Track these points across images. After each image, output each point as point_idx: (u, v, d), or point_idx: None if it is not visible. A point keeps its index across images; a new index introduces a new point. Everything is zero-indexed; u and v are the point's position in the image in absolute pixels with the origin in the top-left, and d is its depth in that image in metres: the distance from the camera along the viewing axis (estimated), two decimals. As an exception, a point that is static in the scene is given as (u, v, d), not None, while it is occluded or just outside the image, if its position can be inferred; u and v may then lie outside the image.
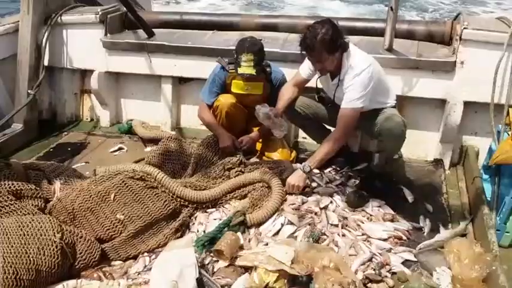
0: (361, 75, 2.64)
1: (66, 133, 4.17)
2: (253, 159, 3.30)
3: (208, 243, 2.41)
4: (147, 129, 4.02)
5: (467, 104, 3.20)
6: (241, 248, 2.37)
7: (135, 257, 2.47)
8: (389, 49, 3.26)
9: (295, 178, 2.76)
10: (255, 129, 3.36)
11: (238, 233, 2.45)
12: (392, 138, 2.78)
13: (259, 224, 2.53)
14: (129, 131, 4.08)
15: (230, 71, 3.19)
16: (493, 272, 2.11)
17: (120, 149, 3.82)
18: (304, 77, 3.00)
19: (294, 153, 3.37)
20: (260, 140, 3.37)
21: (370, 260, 2.34)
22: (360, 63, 2.66)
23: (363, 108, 2.67)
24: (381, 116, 2.78)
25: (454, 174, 3.26)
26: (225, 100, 3.23)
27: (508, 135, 2.68)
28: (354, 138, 3.46)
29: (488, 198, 2.73)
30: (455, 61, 3.14)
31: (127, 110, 4.35)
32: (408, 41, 3.46)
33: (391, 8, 3.04)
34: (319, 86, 2.99)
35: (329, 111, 3.03)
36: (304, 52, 2.68)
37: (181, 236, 2.58)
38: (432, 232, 2.61)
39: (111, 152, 3.78)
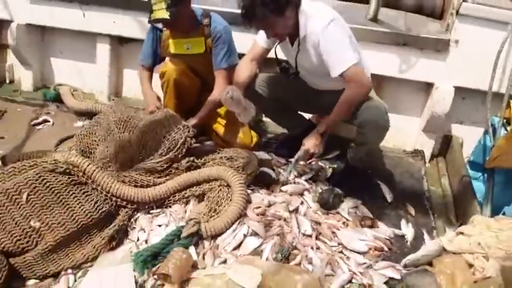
0: (331, 26, 2.15)
1: (-23, 98, 3.43)
2: (208, 143, 2.77)
3: (151, 259, 1.91)
4: (78, 98, 3.36)
5: (455, 89, 2.80)
6: (193, 266, 1.89)
7: (55, 275, 1.94)
8: (374, 19, 2.76)
9: (312, 144, 2.39)
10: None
11: (191, 248, 1.96)
12: (375, 130, 2.34)
13: (217, 235, 2.04)
14: (58, 99, 3.42)
15: (164, 30, 2.65)
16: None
17: (44, 121, 3.18)
18: (264, 47, 2.46)
19: (255, 137, 2.84)
20: (218, 120, 2.81)
21: (349, 281, 1.94)
22: (322, 14, 2.19)
23: (359, 60, 2.20)
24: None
25: (434, 167, 2.91)
26: (173, 66, 2.66)
27: (506, 131, 2.33)
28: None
29: (479, 199, 2.40)
30: (449, 39, 2.71)
31: (55, 72, 3.68)
32: (393, 11, 2.97)
33: (381, -30, 2.54)
34: (280, 56, 2.48)
35: (294, 85, 2.55)
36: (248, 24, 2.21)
37: (116, 247, 2.06)
38: (415, 240, 2.27)
39: (33, 125, 3.13)
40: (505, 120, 2.42)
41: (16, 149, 2.78)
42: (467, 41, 2.70)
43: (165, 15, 2.39)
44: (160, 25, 2.63)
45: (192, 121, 2.59)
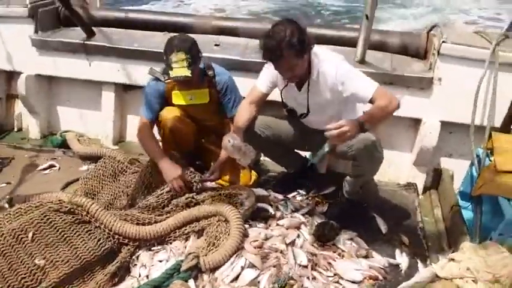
0: (343, 66, 2.33)
1: (-13, 145, 3.57)
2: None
3: (151, 293, 1.99)
4: (84, 143, 3.51)
5: (442, 124, 2.94)
6: (192, 299, 1.96)
7: (58, 312, 1.99)
8: (362, 61, 2.94)
9: (350, 125, 2.11)
10: (212, 147, 2.94)
11: (190, 281, 2.03)
12: (370, 161, 2.44)
13: (215, 268, 2.11)
14: (64, 145, 3.57)
15: (166, 81, 2.71)
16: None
17: (51, 166, 3.30)
18: (264, 92, 2.59)
19: (254, 176, 2.95)
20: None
21: (345, 310, 1.99)
22: (331, 57, 2.37)
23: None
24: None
25: (428, 199, 3.00)
26: (169, 114, 2.75)
27: (490, 161, 2.43)
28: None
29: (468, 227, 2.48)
30: (432, 77, 2.88)
31: (61, 119, 3.84)
32: (380, 53, 3.16)
33: (366, 16, 2.71)
34: (284, 99, 2.62)
35: (292, 125, 2.68)
36: (269, 62, 2.31)
37: (118, 283, 2.14)
38: (410, 269, 2.33)
39: (40, 170, 3.25)
40: (489, 151, 2.53)
41: (22, 192, 2.88)
42: (449, 78, 2.86)
43: (187, 73, 2.50)
44: (163, 78, 2.72)
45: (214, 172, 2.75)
